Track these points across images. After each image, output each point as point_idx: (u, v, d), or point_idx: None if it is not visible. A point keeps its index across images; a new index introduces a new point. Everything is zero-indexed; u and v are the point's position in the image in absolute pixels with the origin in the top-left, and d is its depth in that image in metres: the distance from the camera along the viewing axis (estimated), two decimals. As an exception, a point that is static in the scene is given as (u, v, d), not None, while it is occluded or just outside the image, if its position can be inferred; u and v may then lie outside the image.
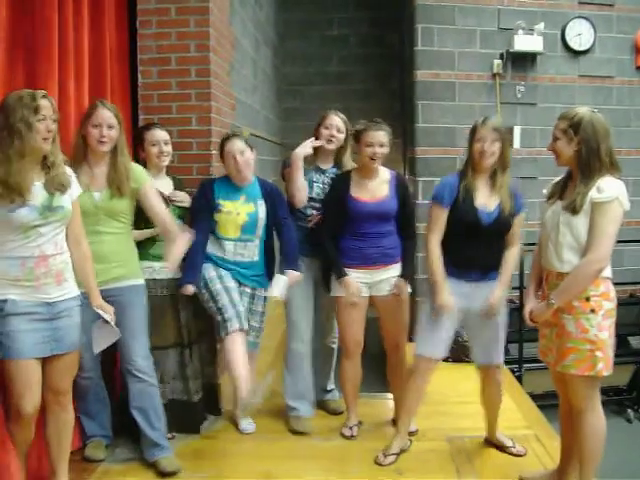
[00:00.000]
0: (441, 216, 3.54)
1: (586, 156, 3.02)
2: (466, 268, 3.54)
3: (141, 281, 3.59)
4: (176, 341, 3.95)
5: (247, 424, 4.15)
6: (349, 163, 4.14)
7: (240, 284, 3.84)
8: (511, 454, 3.75)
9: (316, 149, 4.08)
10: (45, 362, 2.95)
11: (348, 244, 3.87)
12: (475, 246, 3.51)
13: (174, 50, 4.31)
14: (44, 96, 2.83)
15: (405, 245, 3.93)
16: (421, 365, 3.63)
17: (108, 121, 3.33)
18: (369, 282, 3.87)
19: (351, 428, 4.05)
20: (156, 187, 3.65)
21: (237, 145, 3.82)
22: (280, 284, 3.81)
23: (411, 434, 3.93)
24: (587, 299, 3.02)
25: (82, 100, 3.67)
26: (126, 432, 3.81)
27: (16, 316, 2.84)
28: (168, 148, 3.90)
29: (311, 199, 4.08)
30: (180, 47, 4.31)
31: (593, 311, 3.01)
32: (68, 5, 3.52)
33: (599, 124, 3.03)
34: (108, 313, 3.22)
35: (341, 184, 3.89)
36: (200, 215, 3.80)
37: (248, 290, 3.87)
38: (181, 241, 3.48)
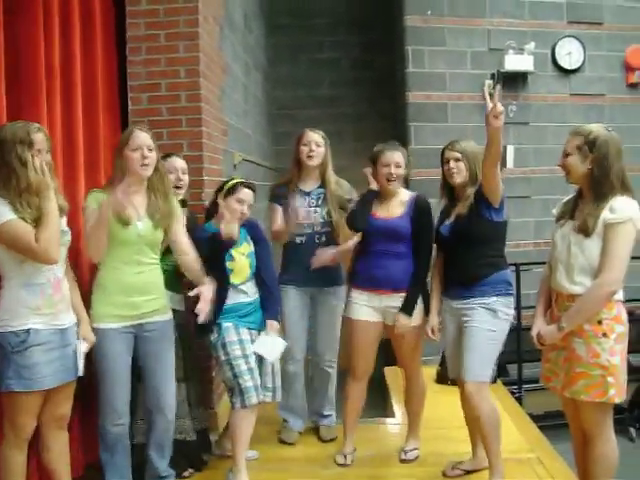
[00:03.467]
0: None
1: (598, 175, 2.98)
2: (449, 284, 3.61)
3: (171, 315, 3.45)
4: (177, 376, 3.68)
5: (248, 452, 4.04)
6: (333, 179, 4.15)
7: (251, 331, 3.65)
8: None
9: (298, 169, 4.14)
10: (50, 391, 2.93)
11: (357, 264, 3.85)
12: (450, 262, 3.59)
13: (164, 76, 4.28)
14: (38, 129, 2.86)
15: (413, 272, 3.74)
16: None
17: (147, 142, 3.23)
18: (377, 307, 3.79)
19: (345, 457, 3.95)
20: None
21: (248, 197, 3.65)
22: (267, 346, 3.63)
23: None
24: (599, 322, 2.96)
25: (74, 128, 3.63)
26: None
27: (37, 347, 2.83)
28: (185, 178, 3.81)
29: (298, 225, 4.07)
30: (170, 73, 4.28)
31: (605, 335, 2.95)
32: (55, 31, 3.48)
33: (614, 143, 3.00)
34: (88, 345, 3.16)
35: (368, 198, 3.83)
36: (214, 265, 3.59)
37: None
38: (207, 292, 3.40)
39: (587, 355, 2.97)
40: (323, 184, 4.16)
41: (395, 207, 3.80)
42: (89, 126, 3.81)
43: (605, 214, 2.93)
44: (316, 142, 4.11)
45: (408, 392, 4.01)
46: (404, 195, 3.86)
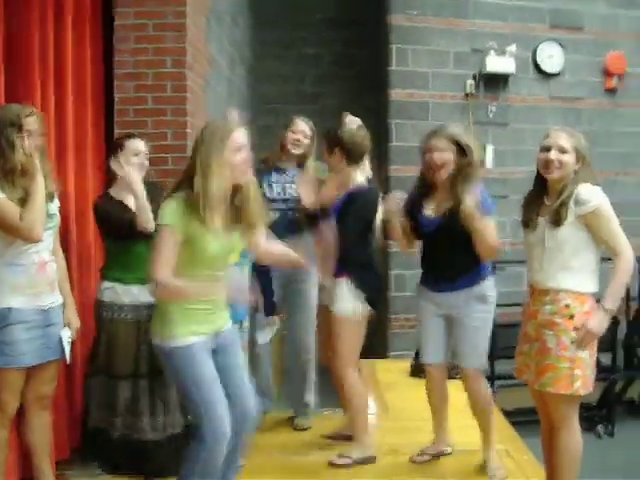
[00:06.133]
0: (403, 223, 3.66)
1: (579, 176, 3.07)
2: (433, 278, 3.64)
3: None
4: (132, 372, 3.60)
5: None
6: (312, 166, 4.21)
7: None
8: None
9: (281, 151, 4.22)
10: (32, 369, 3.01)
11: None
12: (430, 253, 3.62)
13: (151, 66, 4.32)
14: (30, 113, 2.92)
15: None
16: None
17: (245, 141, 2.84)
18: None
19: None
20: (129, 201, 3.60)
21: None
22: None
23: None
24: (571, 317, 3.03)
25: (63, 112, 3.67)
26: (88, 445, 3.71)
27: (18, 325, 2.90)
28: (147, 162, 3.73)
29: (272, 200, 4.10)
30: (157, 63, 4.32)
31: (576, 329, 3.02)
32: (49, 16, 3.54)
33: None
34: (72, 331, 3.24)
35: None
36: None
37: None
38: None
39: (556, 348, 3.04)
40: (301, 168, 4.24)
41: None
42: (76, 111, 3.84)
43: (576, 208, 3.01)
44: (304, 133, 4.21)
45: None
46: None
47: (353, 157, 3.73)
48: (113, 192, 3.63)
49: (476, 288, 3.56)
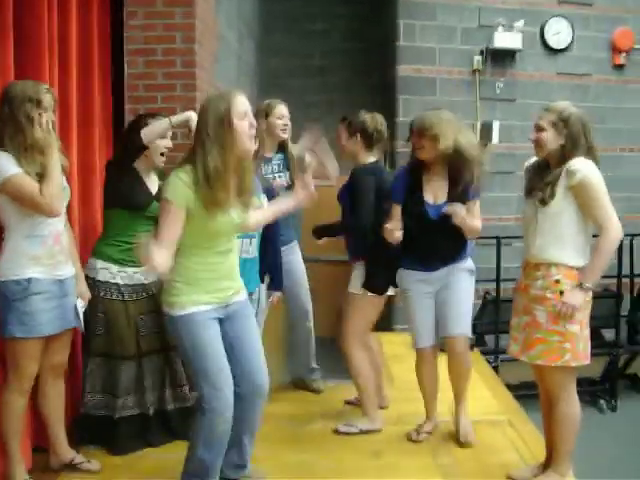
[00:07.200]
0: (395, 212, 3.70)
1: (569, 150, 3.10)
2: (427, 260, 3.69)
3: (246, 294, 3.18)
4: (135, 352, 3.63)
5: None
6: (294, 148, 4.32)
7: None
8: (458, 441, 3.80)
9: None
10: (48, 338, 3.10)
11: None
12: (429, 239, 3.64)
13: (160, 41, 4.36)
14: (47, 90, 2.99)
15: None
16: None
17: (248, 107, 2.85)
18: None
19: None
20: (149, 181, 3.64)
21: None
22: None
23: None
24: (561, 292, 3.08)
25: (69, 88, 3.69)
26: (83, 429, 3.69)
27: (37, 295, 2.99)
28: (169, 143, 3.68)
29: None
30: (166, 38, 4.37)
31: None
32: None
33: (585, 120, 3.15)
34: (84, 302, 3.33)
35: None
36: None
37: None
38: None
39: (547, 322, 3.10)
40: (281, 150, 4.32)
41: None
42: (83, 86, 3.87)
43: (565, 180, 3.05)
44: (287, 116, 4.28)
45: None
46: None
47: (371, 143, 3.93)
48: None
49: (465, 262, 3.75)
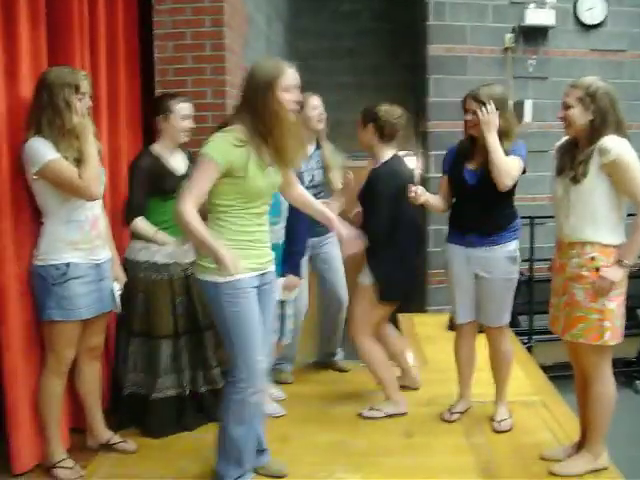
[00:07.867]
0: (442, 182, 3.77)
1: (599, 126, 3.05)
2: (463, 231, 3.66)
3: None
4: (173, 331, 3.69)
5: (277, 391, 4.17)
6: (328, 149, 4.35)
7: None
8: (494, 430, 3.75)
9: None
10: (86, 321, 3.15)
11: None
12: (468, 208, 3.63)
13: (189, 25, 4.38)
14: (84, 76, 3.04)
15: None
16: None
17: (295, 82, 2.91)
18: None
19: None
20: (173, 162, 3.71)
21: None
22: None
23: None
24: (597, 269, 3.05)
25: (98, 74, 3.69)
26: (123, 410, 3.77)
27: (75, 279, 3.04)
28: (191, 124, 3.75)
29: (307, 189, 4.15)
30: (195, 22, 4.38)
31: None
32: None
33: (614, 95, 3.08)
34: (120, 285, 3.39)
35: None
36: None
37: None
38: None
39: (585, 300, 3.08)
40: (318, 146, 4.33)
41: None
42: (112, 71, 3.87)
43: (597, 158, 3.01)
44: (321, 105, 4.25)
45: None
46: None
47: (385, 134, 3.82)
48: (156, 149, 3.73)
49: (506, 247, 3.61)
